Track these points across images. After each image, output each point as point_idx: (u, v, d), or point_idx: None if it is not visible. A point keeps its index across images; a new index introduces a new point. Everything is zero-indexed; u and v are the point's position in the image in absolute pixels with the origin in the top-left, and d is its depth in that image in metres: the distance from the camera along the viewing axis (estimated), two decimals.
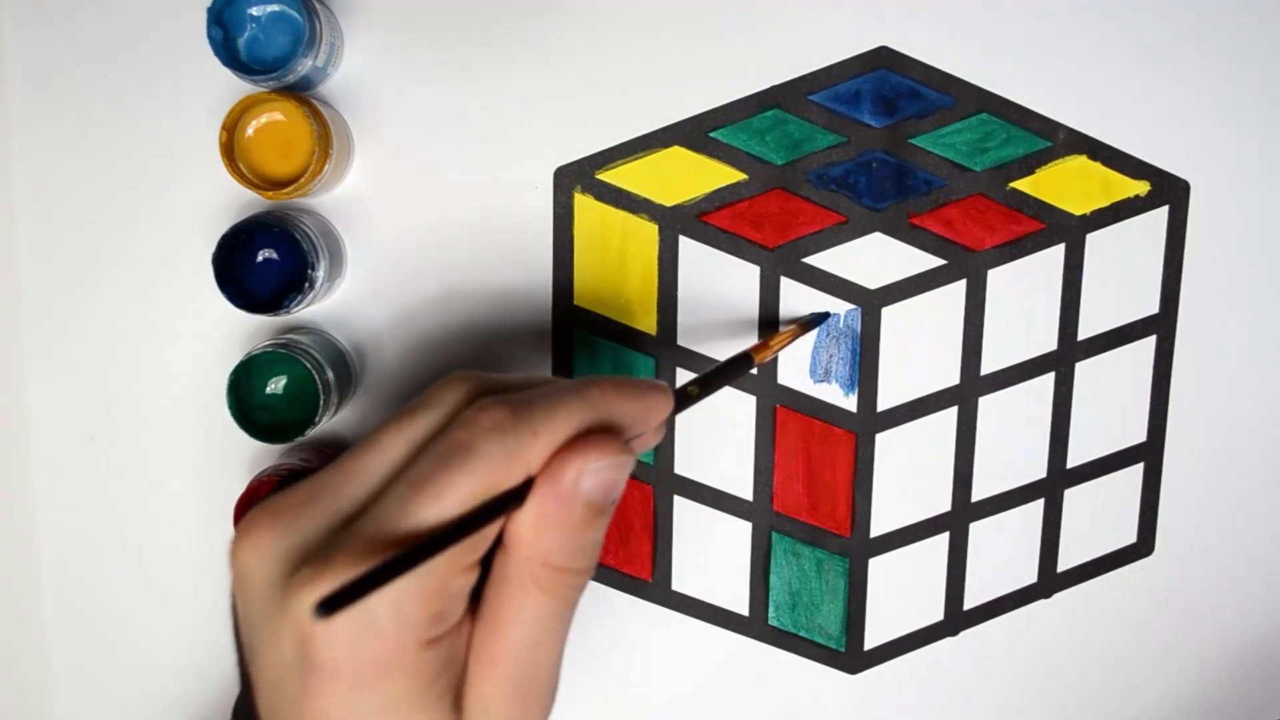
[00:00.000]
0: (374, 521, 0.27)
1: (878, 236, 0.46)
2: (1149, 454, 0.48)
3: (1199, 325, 0.47)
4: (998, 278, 0.47)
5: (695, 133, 0.46)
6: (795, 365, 0.47)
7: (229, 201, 0.45)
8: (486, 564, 0.28)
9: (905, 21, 0.45)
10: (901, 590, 0.48)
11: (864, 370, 0.47)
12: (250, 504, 0.43)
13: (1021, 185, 0.46)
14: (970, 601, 0.48)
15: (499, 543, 0.28)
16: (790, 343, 0.45)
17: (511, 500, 0.27)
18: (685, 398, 0.35)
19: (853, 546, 0.48)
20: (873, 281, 0.47)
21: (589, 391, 0.29)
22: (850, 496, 0.48)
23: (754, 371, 0.47)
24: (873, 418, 0.47)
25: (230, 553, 0.27)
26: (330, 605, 0.24)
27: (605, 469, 0.28)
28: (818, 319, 0.46)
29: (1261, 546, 0.48)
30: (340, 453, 0.46)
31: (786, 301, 0.46)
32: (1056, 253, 0.47)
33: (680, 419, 0.47)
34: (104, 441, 0.47)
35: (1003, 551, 0.48)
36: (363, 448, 0.28)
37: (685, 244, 0.46)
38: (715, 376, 0.37)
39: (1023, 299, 0.47)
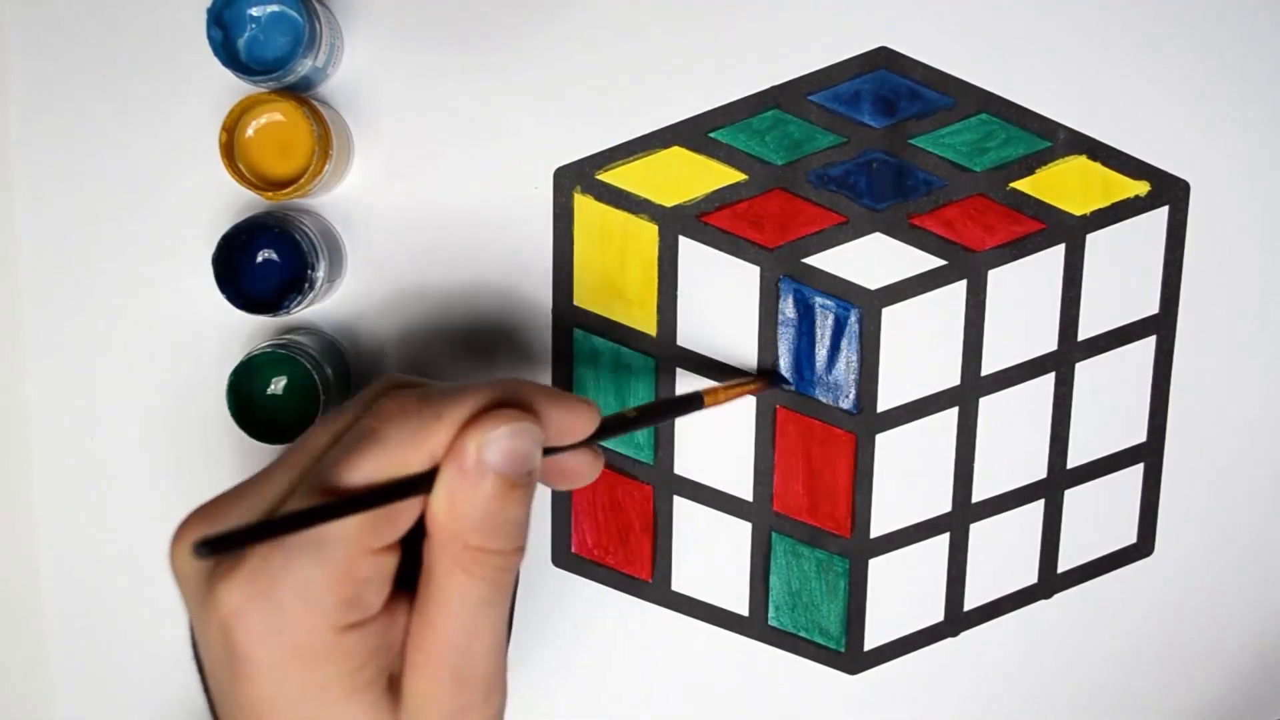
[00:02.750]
0: (286, 509, 0.27)
1: (878, 237, 0.46)
2: (1149, 454, 0.48)
3: (1199, 325, 0.47)
4: (998, 278, 0.47)
5: (695, 133, 0.46)
6: (794, 369, 0.47)
7: (229, 201, 0.45)
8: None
9: (905, 21, 0.45)
10: (902, 591, 0.48)
11: (864, 370, 0.47)
12: None
13: (1021, 185, 0.46)
14: (970, 602, 0.48)
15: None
16: (741, 397, 0.45)
17: (419, 484, 0.27)
18: (623, 421, 0.35)
19: (853, 547, 0.48)
20: (873, 282, 0.47)
21: (502, 381, 0.29)
22: (850, 497, 0.48)
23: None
24: (873, 418, 0.47)
25: (169, 554, 0.28)
26: (209, 546, 0.24)
27: (506, 437, 0.28)
28: (776, 380, 0.46)
29: (1261, 546, 0.48)
30: None
31: (786, 301, 0.46)
32: (1056, 253, 0.47)
33: (681, 419, 0.47)
34: (104, 442, 0.47)
35: (1003, 552, 0.48)
36: (290, 446, 0.29)
37: (685, 244, 0.46)
38: (659, 409, 0.37)
39: (1023, 299, 0.47)
